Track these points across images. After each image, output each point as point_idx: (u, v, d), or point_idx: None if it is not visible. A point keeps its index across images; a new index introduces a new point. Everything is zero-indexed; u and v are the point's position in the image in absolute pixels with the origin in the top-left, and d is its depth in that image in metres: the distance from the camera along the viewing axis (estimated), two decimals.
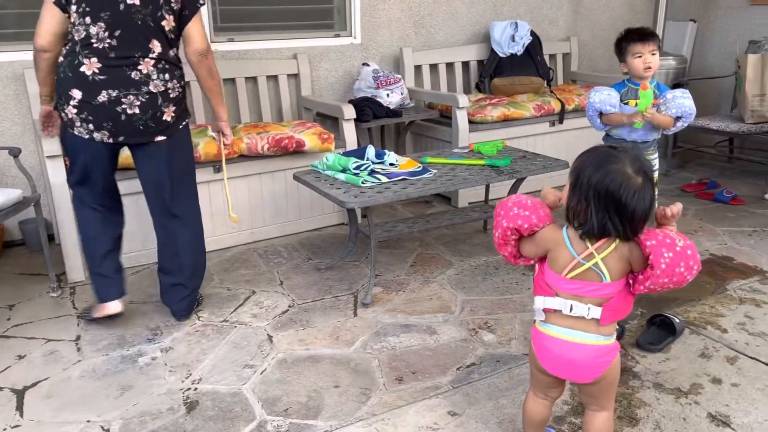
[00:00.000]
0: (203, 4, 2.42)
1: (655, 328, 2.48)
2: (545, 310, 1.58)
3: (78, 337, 2.57)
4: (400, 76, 4.12)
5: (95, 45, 2.25)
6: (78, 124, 2.32)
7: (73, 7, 2.23)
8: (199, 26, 2.40)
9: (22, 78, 3.34)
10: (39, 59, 2.31)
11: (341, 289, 2.96)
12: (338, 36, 4.23)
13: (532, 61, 4.57)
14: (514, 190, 3.37)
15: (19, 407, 2.12)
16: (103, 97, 2.27)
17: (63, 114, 2.35)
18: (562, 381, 1.68)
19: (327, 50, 4.19)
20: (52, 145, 2.83)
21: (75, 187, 2.53)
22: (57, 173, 2.88)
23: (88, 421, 2.05)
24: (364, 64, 4.13)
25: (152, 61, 2.32)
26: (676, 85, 4.73)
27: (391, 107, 3.97)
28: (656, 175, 2.57)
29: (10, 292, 2.99)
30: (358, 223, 3.17)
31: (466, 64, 4.67)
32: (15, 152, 2.95)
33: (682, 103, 2.41)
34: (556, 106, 4.26)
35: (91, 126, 2.32)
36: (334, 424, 2.01)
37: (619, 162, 1.44)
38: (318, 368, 2.32)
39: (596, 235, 1.47)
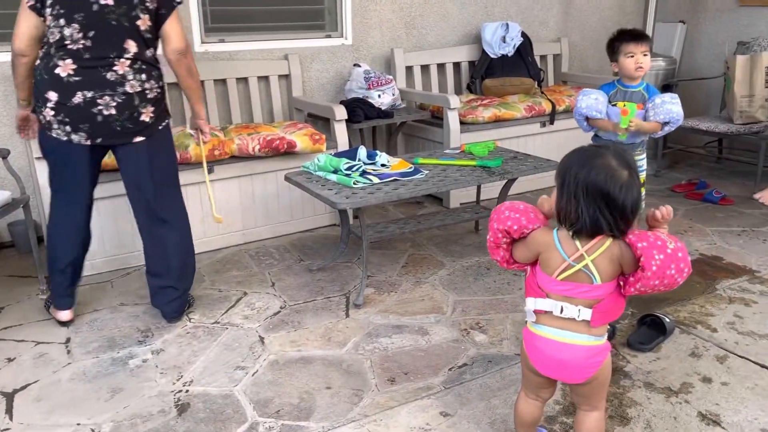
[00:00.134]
0: (180, 3, 2.39)
1: (645, 328, 2.49)
2: (536, 312, 1.58)
3: (68, 340, 2.56)
4: (391, 77, 4.12)
5: (69, 46, 2.25)
6: (55, 126, 2.31)
7: (48, 10, 2.23)
8: (177, 25, 2.38)
9: (11, 79, 3.30)
10: (17, 63, 2.31)
11: (333, 290, 2.96)
12: (329, 37, 4.23)
13: (522, 62, 4.59)
14: (505, 190, 3.38)
15: (9, 410, 2.11)
16: (78, 98, 2.26)
17: (41, 117, 2.34)
18: (553, 381, 1.69)
19: (318, 51, 4.19)
20: None
21: (53, 195, 2.52)
22: (46, 175, 2.85)
23: (78, 424, 2.03)
24: (355, 64, 4.13)
25: (128, 62, 2.31)
26: (665, 86, 4.77)
27: (383, 108, 3.97)
28: (643, 175, 2.59)
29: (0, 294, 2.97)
30: (349, 224, 3.17)
31: (457, 65, 4.68)
32: (4, 154, 2.93)
33: (670, 108, 2.43)
34: (547, 107, 4.28)
35: (68, 128, 2.31)
36: (326, 425, 2.01)
37: (603, 157, 1.46)
38: (310, 369, 2.32)
39: (589, 233, 1.48)
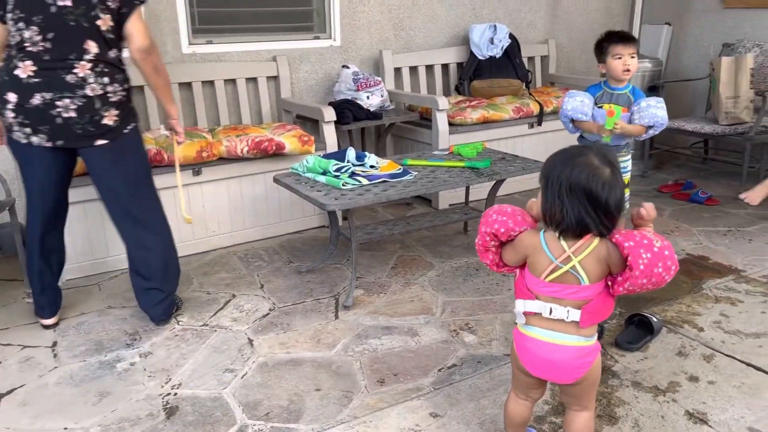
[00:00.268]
0: (143, 2, 2.37)
1: (633, 328, 2.51)
2: (526, 314, 1.59)
3: (54, 343, 2.54)
4: (380, 79, 4.12)
5: (29, 48, 2.24)
6: (16, 128, 2.30)
7: (9, 15, 2.23)
8: (139, 23, 2.36)
9: None
10: None
11: (322, 292, 2.96)
12: (318, 38, 4.22)
13: (510, 63, 4.61)
14: (493, 191, 3.40)
15: None
16: (36, 100, 2.25)
17: (2, 119, 2.32)
18: (543, 382, 1.69)
19: (306, 52, 4.18)
20: None
21: (26, 198, 2.50)
22: None
23: (66, 429, 2.02)
24: (343, 66, 4.13)
25: (89, 64, 2.28)
26: (651, 88, 4.81)
27: (371, 109, 3.97)
28: (628, 176, 2.61)
29: None
30: (339, 226, 3.17)
31: (445, 67, 4.69)
32: None
33: (654, 113, 2.45)
34: (534, 108, 4.30)
35: (27, 130, 2.29)
36: (316, 427, 2.00)
37: (585, 156, 1.47)
38: (299, 371, 2.31)
39: (575, 233, 1.49)
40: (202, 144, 3.25)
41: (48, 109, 2.26)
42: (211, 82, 3.86)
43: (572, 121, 2.57)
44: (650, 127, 2.48)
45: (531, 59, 5.03)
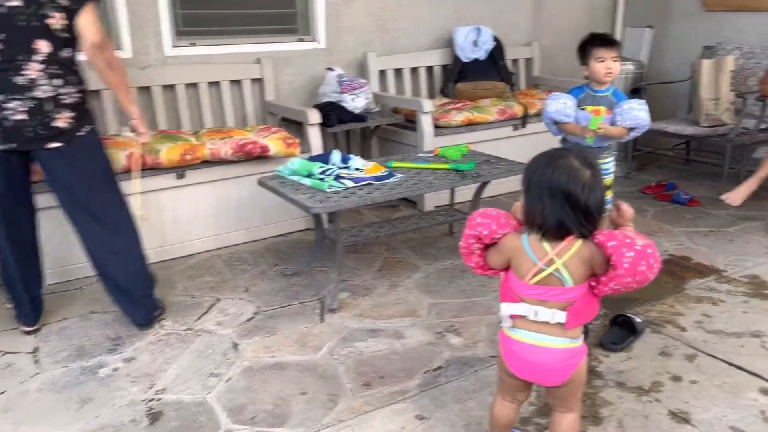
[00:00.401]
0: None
1: (617, 328, 2.52)
2: (512, 316, 1.59)
3: (36, 349, 2.50)
4: (365, 81, 4.12)
5: None
6: None
7: None
8: (90, 19, 2.33)
9: None
10: None
11: (308, 295, 2.95)
12: (302, 41, 4.21)
13: (494, 65, 4.63)
14: (478, 193, 3.41)
15: None
16: None
17: None
18: (529, 384, 1.70)
19: (291, 55, 4.17)
20: None
21: None
22: None
23: None
24: (328, 68, 4.12)
25: (40, 65, 2.26)
26: (634, 90, 4.85)
27: (356, 112, 3.96)
28: (610, 178, 2.63)
29: None
30: (324, 228, 3.16)
31: (430, 69, 4.70)
32: None
33: (636, 115, 2.47)
34: (518, 111, 4.32)
35: None
36: (301, 431, 1.99)
37: (565, 158, 1.49)
38: (284, 375, 2.30)
39: (556, 235, 1.49)
40: (185, 147, 3.23)
41: None
42: (195, 85, 3.83)
43: (556, 123, 2.59)
44: (632, 128, 2.50)
45: (515, 61, 5.05)
